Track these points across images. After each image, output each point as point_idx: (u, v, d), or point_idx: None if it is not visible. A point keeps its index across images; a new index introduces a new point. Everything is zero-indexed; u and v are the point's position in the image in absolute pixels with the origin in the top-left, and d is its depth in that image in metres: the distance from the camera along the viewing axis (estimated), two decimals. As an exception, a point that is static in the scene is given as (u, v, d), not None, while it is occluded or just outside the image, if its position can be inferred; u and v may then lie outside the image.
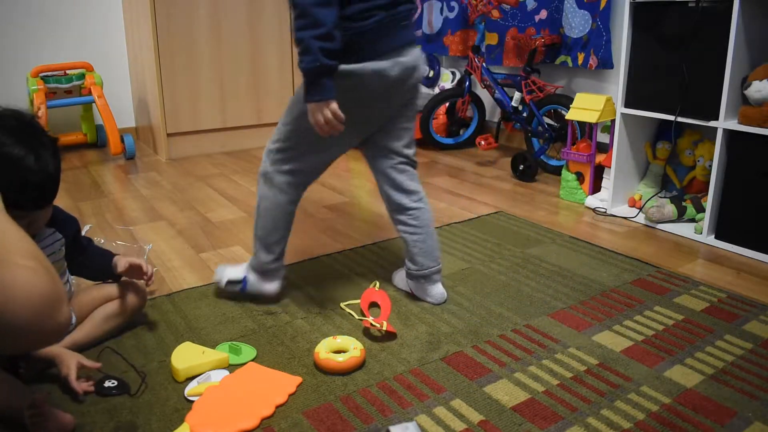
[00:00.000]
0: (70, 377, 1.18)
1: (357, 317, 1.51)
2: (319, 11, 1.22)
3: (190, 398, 1.20)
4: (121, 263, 1.44)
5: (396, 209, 1.54)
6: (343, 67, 1.28)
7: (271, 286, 1.59)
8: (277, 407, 1.17)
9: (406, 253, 1.57)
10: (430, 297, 1.58)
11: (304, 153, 1.46)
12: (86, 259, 1.43)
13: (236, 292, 1.60)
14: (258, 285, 1.58)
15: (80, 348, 1.34)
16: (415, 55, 1.38)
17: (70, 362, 1.21)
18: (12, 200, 0.96)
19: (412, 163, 1.54)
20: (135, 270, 1.45)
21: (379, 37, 1.29)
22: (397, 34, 1.33)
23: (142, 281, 1.48)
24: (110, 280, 1.46)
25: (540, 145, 2.87)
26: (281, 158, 1.47)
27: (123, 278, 1.46)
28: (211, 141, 3.28)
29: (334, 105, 1.27)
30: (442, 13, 3.48)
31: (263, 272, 1.57)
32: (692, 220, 2.13)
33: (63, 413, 1.09)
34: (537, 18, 2.92)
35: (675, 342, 1.40)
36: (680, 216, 2.13)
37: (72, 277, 1.43)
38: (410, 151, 1.53)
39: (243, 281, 1.59)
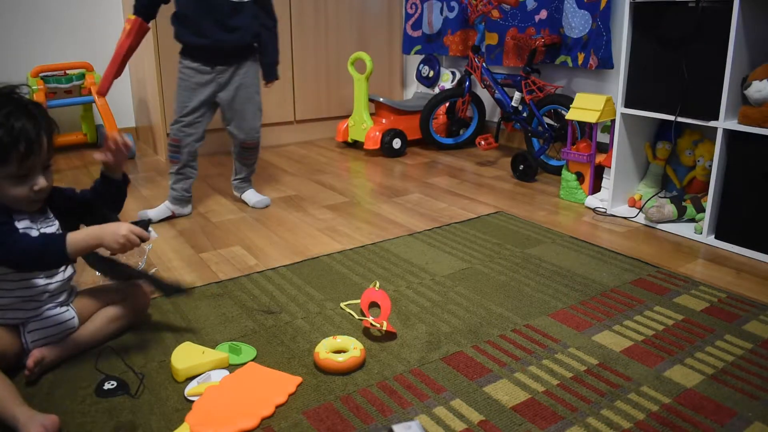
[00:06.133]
0: None
1: (357, 317, 1.51)
2: None
3: (190, 398, 1.20)
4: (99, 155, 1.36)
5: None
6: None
7: (187, 209, 2.31)
8: (277, 407, 1.17)
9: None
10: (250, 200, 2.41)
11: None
12: (96, 201, 1.38)
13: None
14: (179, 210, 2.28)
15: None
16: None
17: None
18: None
19: None
20: (117, 152, 1.35)
21: None
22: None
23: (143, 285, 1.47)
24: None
25: (540, 145, 2.87)
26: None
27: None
28: (212, 141, 3.27)
29: None
30: (442, 13, 3.48)
31: (182, 200, 2.28)
32: (692, 220, 2.13)
33: (49, 416, 1.08)
34: (537, 18, 2.92)
35: (675, 342, 1.40)
36: (680, 216, 2.13)
37: (75, 275, 1.42)
38: None
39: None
